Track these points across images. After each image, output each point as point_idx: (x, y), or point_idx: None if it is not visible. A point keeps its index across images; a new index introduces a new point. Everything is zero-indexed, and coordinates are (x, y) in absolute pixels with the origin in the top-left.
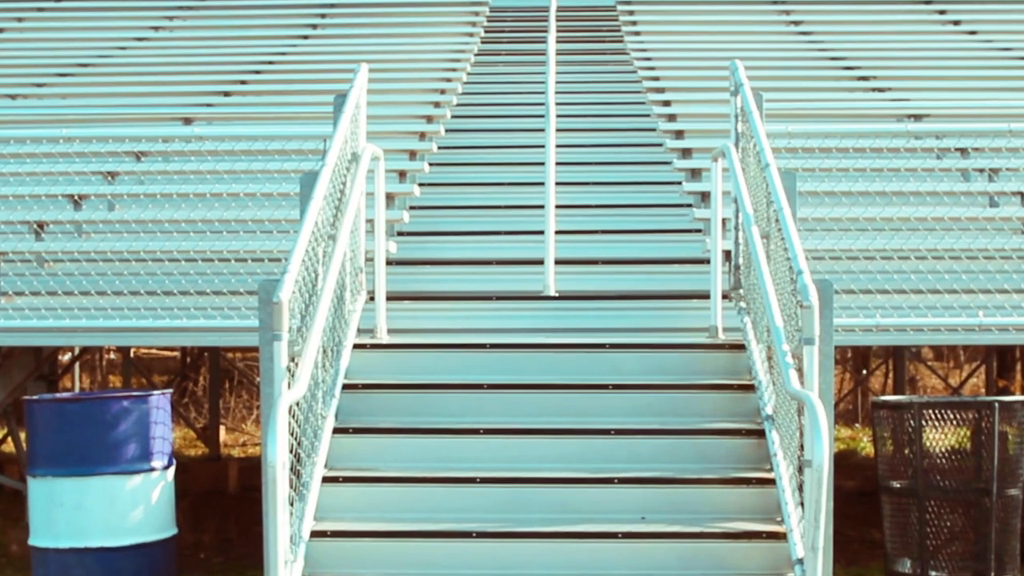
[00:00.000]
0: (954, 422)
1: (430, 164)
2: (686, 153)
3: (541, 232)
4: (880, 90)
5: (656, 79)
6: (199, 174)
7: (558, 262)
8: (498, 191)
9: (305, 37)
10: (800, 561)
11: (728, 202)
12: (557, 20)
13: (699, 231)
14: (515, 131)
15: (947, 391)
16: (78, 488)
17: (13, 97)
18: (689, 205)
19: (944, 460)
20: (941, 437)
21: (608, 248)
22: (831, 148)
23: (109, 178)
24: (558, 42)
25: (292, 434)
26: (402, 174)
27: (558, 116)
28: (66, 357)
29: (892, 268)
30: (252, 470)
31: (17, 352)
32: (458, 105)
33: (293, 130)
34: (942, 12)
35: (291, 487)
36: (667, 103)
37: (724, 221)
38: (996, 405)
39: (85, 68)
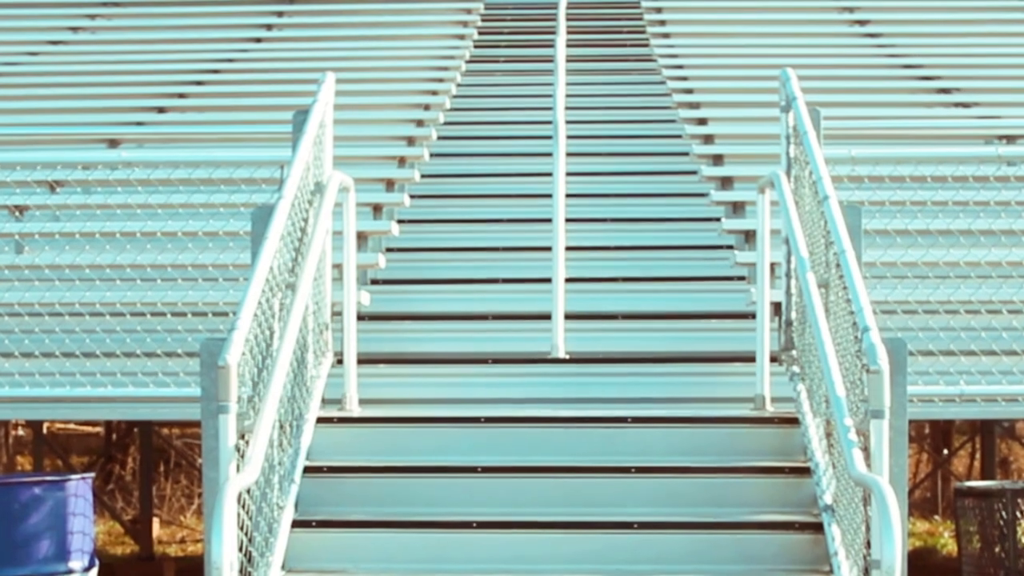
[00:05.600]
0: None
1: (411, 196)
2: (726, 183)
3: (548, 280)
4: (964, 105)
5: (689, 92)
6: (127, 208)
7: (569, 316)
8: (496, 229)
9: (258, 40)
10: None
11: (778, 243)
12: (568, 19)
13: (742, 279)
14: (516, 156)
15: None
16: None
17: None
18: (730, 247)
19: None
20: None
21: (630, 299)
22: (904, 176)
23: (17, 213)
24: (569, 46)
25: (242, 528)
26: (377, 208)
27: (569, 137)
28: None
29: (980, 324)
30: (192, 572)
31: None
32: (446, 124)
33: (243, 154)
34: None
35: None
36: (703, 121)
37: (773, 266)
38: None
39: None
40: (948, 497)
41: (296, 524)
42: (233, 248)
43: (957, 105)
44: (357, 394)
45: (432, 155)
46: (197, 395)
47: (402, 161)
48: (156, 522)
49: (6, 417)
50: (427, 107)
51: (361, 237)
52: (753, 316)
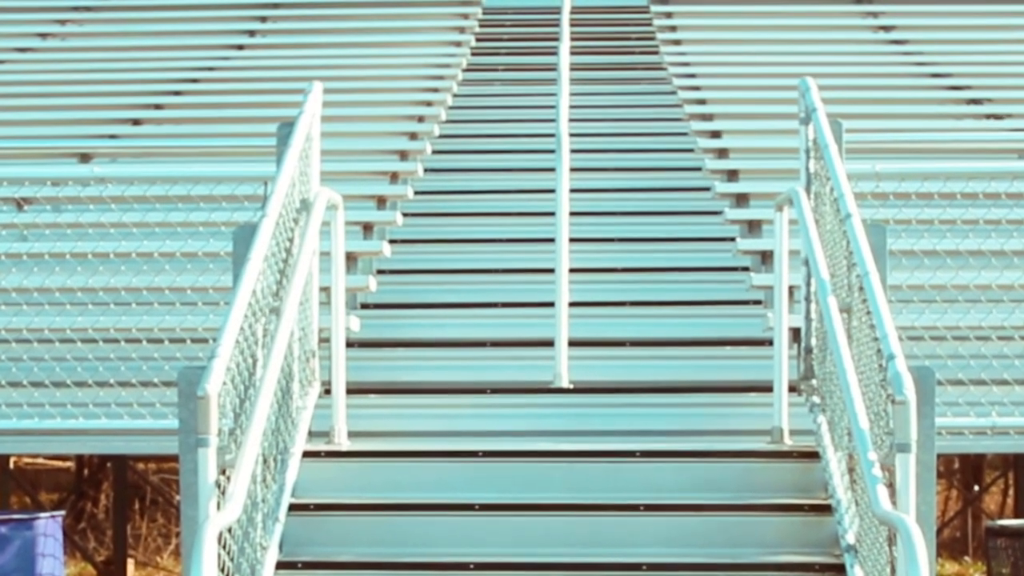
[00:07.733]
0: None
1: (404, 214)
2: (741, 200)
3: (551, 304)
4: (996, 116)
5: (702, 102)
6: (100, 227)
7: (573, 343)
8: (494, 250)
9: (240, 47)
10: None
11: (797, 264)
12: (572, 24)
13: (758, 303)
14: (517, 171)
15: None
16: None
17: None
18: (745, 268)
19: None
20: None
21: (638, 325)
22: (932, 193)
23: None
24: (573, 53)
25: (222, 570)
26: (368, 227)
27: (573, 151)
28: None
29: (1013, 351)
30: None
31: None
32: (441, 137)
33: (224, 170)
34: None
35: None
36: (716, 134)
37: (791, 290)
38: None
39: None
40: (979, 536)
41: (280, 566)
42: (213, 270)
43: (988, 117)
44: (346, 426)
45: (426, 170)
46: (175, 427)
47: (394, 177)
48: (131, 563)
49: None
50: (421, 119)
51: (350, 258)
52: (770, 343)
